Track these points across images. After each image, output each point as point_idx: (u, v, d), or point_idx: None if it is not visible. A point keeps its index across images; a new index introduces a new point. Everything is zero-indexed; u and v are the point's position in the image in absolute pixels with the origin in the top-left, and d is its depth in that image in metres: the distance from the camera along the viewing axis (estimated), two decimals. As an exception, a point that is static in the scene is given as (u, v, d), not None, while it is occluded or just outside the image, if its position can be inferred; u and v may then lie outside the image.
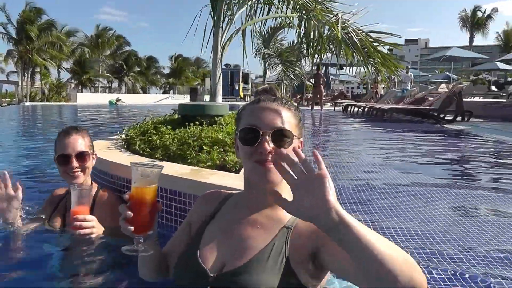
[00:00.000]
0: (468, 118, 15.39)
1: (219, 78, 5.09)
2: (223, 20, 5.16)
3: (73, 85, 69.37)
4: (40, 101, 51.74)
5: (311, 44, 5.99)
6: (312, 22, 5.51)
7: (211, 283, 1.56)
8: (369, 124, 15.12)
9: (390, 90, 24.94)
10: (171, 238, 1.97)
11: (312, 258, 1.53)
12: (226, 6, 5.29)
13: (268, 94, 1.78)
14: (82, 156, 2.77)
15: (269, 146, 1.54)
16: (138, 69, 78.44)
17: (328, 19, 5.61)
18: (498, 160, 7.45)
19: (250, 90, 36.86)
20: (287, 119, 1.62)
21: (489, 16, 70.68)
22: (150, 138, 3.82)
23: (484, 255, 2.64)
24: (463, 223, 3.34)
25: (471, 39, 72.47)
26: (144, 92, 76.04)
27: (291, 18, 6.02)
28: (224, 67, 25.67)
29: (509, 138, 10.16)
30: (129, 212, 1.59)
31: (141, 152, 3.70)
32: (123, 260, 2.27)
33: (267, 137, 1.55)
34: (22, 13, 54.46)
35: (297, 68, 20.53)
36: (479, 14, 71.35)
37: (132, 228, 1.60)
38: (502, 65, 35.29)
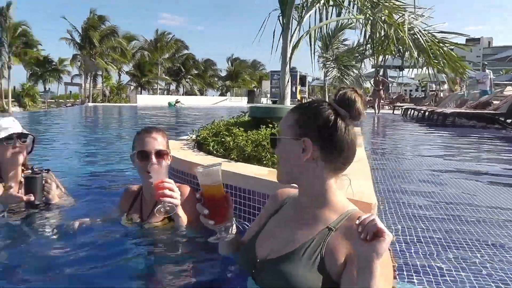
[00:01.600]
0: (540, 123, 14.42)
1: (288, 81, 5.14)
2: (292, 24, 5.20)
3: (132, 87, 71.41)
4: (102, 102, 53.64)
5: (376, 45, 5.95)
6: (378, 22, 5.48)
7: (256, 267, 1.83)
8: (430, 129, 14.53)
9: (452, 94, 24.16)
10: (248, 229, 2.24)
11: (344, 264, 1.65)
12: (294, 9, 5.32)
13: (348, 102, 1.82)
14: (160, 154, 2.86)
15: None
16: (196, 72, 79.79)
17: (394, 20, 5.57)
18: None
19: (307, 92, 36.68)
20: None
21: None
22: (223, 140, 3.91)
23: None
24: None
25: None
26: (202, 94, 77.19)
27: (357, 19, 5.98)
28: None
29: None
30: (206, 210, 1.86)
31: (215, 152, 3.79)
32: (203, 250, 2.39)
33: None
34: (87, 20, 58.12)
35: (355, 70, 20.28)
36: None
37: (212, 221, 1.87)
38: None
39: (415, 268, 2.47)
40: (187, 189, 2.97)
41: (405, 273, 2.41)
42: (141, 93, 66.96)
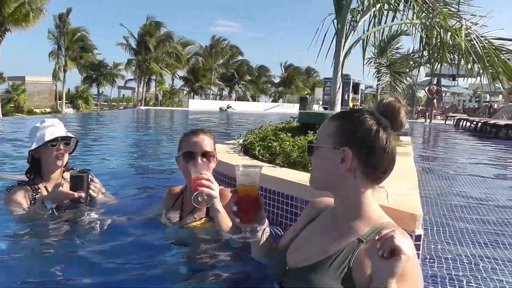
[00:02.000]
0: None
1: (339, 87, 5.03)
2: (346, 28, 5.09)
3: (185, 92, 72.58)
4: (154, 106, 54.80)
5: (431, 51, 5.76)
6: (435, 27, 5.28)
7: (286, 274, 1.84)
8: (483, 141, 13.99)
9: (507, 105, 23.29)
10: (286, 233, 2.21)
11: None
12: (349, 13, 5.22)
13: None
14: (207, 155, 2.83)
15: None
16: (249, 78, 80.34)
17: (451, 25, 5.36)
18: None
19: (359, 100, 36.27)
20: None
21: None
22: (270, 144, 3.83)
23: None
24: None
25: None
26: (254, 100, 77.61)
27: (412, 25, 5.79)
28: (335, 76, 25.39)
29: None
30: (235, 207, 1.90)
31: (261, 157, 3.72)
32: (241, 252, 2.35)
33: None
34: (143, 26, 59.55)
35: (408, 79, 19.86)
36: None
37: (238, 220, 1.92)
38: None
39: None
40: (229, 192, 2.92)
41: None
42: (193, 98, 68.01)
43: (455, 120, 23.04)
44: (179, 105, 57.78)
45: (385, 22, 5.91)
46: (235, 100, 71.42)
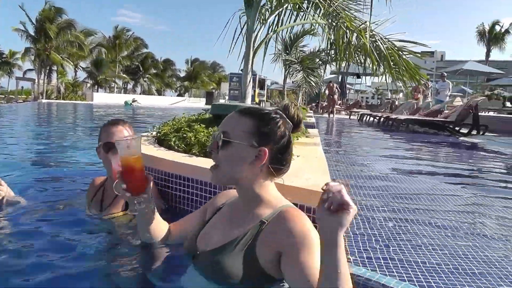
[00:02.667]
0: (483, 132, 15.41)
1: (250, 82, 5.23)
2: (256, 25, 5.28)
3: (89, 85, 69.94)
4: (56, 99, 52.20)
5: (339, 51, 6.09)
6: (341, 28, 5.63)
7: (196, 258, 2.01)
8: (385, 134, 15.16)
9: (406, 102, 24.92)
10: (186, 216, 2.44)
11: (277, 256, 1.77)
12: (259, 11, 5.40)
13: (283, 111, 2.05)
14: None
15: None
16: (155, 71, 79.04)
17: (357, 26, 5.72)
18: (510, 173, 7.48)
19: (265, 96, 36.91)
20: None
21: (507, 31, 69.79)
22: (185, 135, 3.94)
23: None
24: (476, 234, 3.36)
25: (487, 54, 71.62)
26: (159, 94, 76.40)
27: (318, 25, 6.10)
28: (241, 72, 25.71)
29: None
30: (124, 180, 2.05)
31: (176, 148, 3.81)
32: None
33: None
34: (42, 11, 54.85)
35: (316, 76, 20.61)
36: (497, 28, 70.41)
37: (129, 194, 2.07)
38: (517, 82, 35.29)
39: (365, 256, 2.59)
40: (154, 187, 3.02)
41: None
42: (97, 91, 65.71)
43: (359, 115, 24.28)
44: (82, 98, 55.41)
45: (294, 21, 6.18)
46: (140, 94, 69.92)
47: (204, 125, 4.18)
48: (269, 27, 6.13)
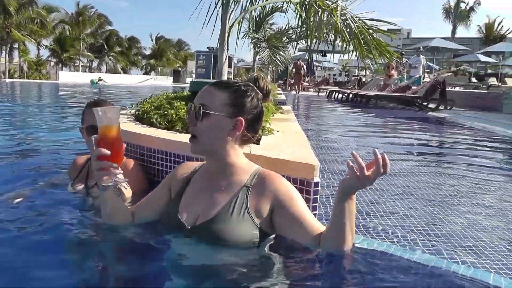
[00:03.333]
0: (450, 107, 15.94)
1: (225, 59, 5.29)
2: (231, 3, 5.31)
3: (52, 63, 68.35)
4: (20, 78, 50.85)
5: (310, 29, 6.16)
6: (313, 7, 5.71)
7: (189, 233, 2.02)
8: (353, 110, 15.52)
9: (374, 78, 25.24)
10: (146, 196, 2.36)
11: (270, 212, 2.01)
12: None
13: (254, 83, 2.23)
14: None
15: None
16: (119, 49, 77.56)
17: (328, 5, 5.80)
18: (477, 145, 7.80)
19: (232, 73, 36.84)
20: None
21: (472, 9, 70.90)
22: (166, 112, 4.00)
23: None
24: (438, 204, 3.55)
25: (453, 31, 72.63)
26: (125, 72, 75.14)
27: (291, 2, 6.13)
28: (207, 50, 25.81)
29: (488, 125, 10.62)
30: (105, 150, 1.92)
31: (158, 125, 3.87)
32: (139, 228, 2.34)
33: None
34: None
35: (282, 54, 20.64)
36: (462, 6, 71.32)
37: (110, 163, 1.95)
38: (483, 58, 36.06)
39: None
40: (131, 162, 3.12)
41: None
42: (62, 70, 64.34)
43: (328, 92, 24.49)
44: (47, 77, 54.20)
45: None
46: (105, 72, 68.70)
47: (184, 102, 4.24)
48: (242, 6, 6.14)
